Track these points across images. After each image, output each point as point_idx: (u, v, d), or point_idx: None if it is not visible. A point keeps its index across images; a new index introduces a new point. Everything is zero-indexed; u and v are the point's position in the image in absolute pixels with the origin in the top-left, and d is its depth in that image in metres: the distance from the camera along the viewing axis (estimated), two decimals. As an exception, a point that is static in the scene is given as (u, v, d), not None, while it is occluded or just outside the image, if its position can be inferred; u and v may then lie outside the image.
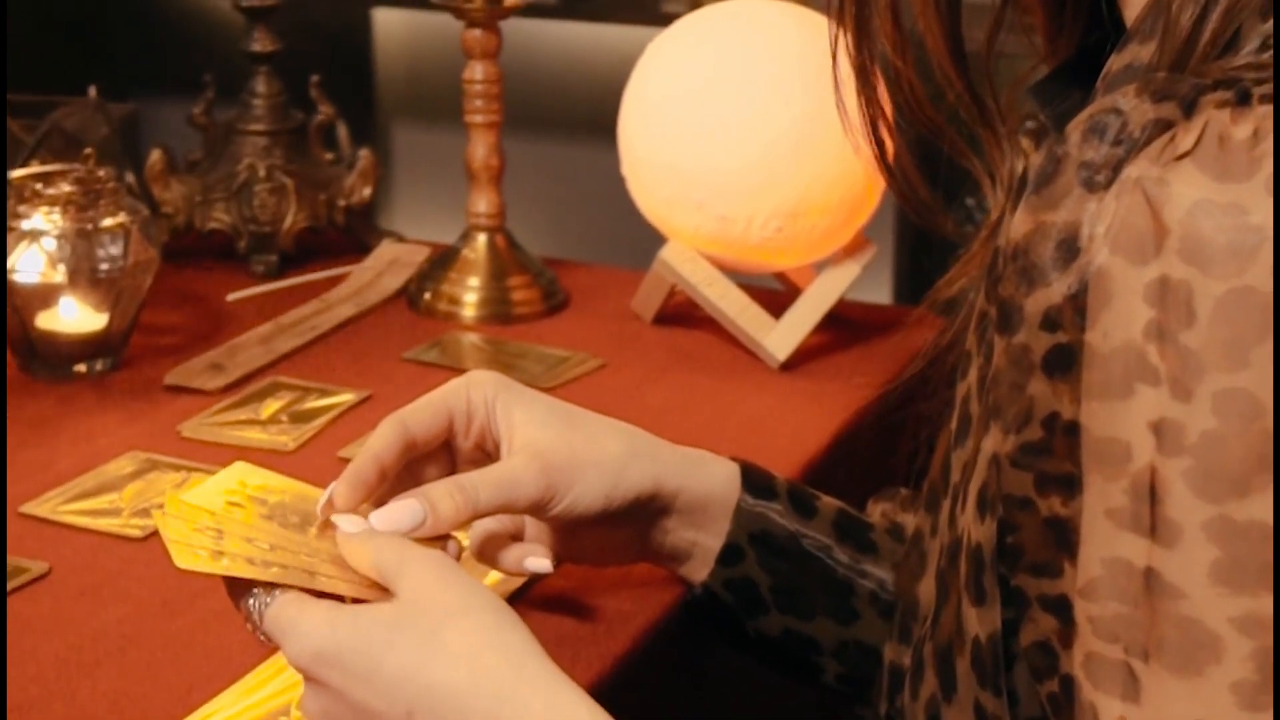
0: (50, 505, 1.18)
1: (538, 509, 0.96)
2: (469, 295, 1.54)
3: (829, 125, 1.38)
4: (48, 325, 1.37)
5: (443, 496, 0.92)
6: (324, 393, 1.37)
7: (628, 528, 1.02)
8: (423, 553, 0.88)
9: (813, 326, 1.45)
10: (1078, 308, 0.68)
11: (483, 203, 1.56)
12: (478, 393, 0.99)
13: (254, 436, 1.29)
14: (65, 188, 1.37)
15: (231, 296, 1.54)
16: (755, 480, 1.05)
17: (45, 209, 1.36)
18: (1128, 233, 0.67)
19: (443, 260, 1.57)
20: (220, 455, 1.26)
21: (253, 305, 1.55)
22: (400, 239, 1.68)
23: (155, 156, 1.61)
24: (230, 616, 1.04)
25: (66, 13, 2.88)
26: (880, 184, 1.42)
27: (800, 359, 1.44)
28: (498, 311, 1.53)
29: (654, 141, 1.43)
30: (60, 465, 1.24)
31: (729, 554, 1.04)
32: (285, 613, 0.87)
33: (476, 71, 1.52)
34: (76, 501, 1.19)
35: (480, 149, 1.54)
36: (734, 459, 1.06)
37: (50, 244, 1.35)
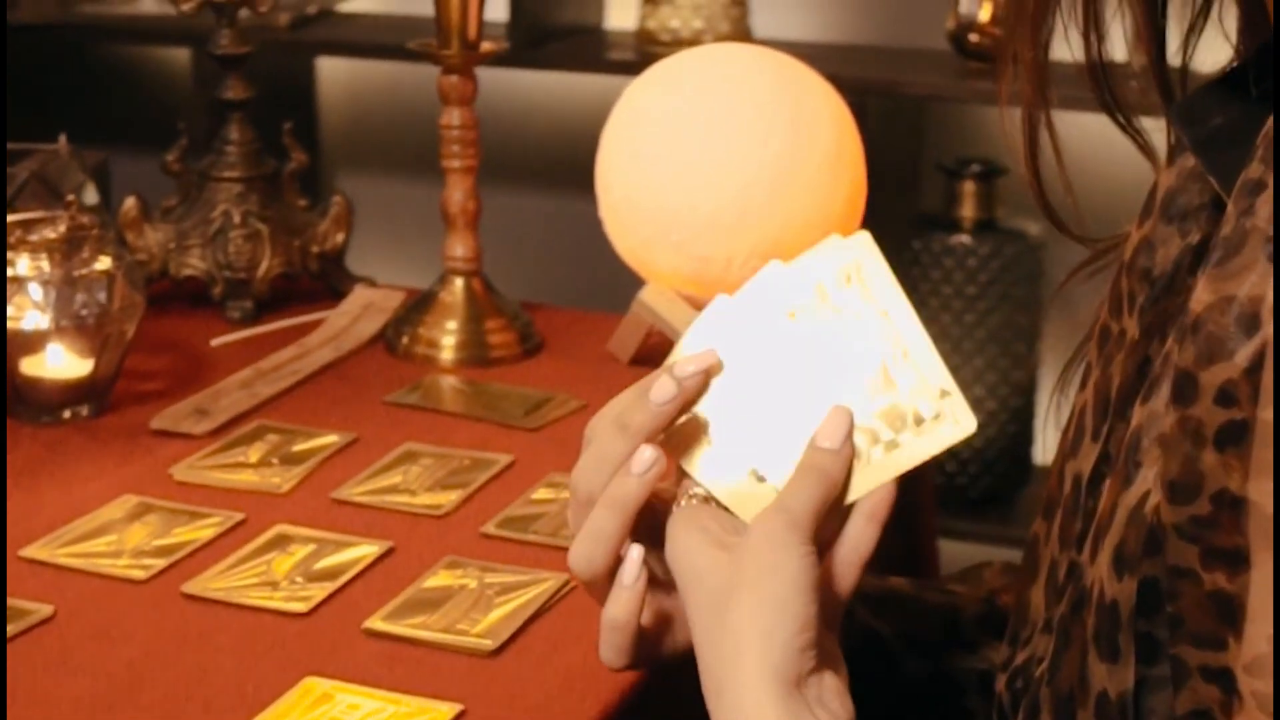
0: (50, 549, 1.18)
1: None
2: (447, 338, 1.55)
3: (805, 164, 1.41)
4: (33, 371, 1.37)
5: None
6: (310, 435, 1.37)
7: None
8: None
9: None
10: (1254, 383, 0.68)
11: (460, 247, 1.57)
12: None
13: (246, 479, 1.30)
14: (50, 234, 1.38)
15: (215, 341, 1.55)
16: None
17: (30, 255, 1.36)
18: None
19: (420, 304, 1.58)
20: (214, 498, 1.27)
21: (231, 350, 1.55)
22: (372, 284, 1.69)
23: (130, 204, 1.61)
24: (240, 654, 1.06)
25: (20, 62, 2.87)
26: (856, 222, 1.45)
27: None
28: (475, 354, 1.55)
29: (633, 184, 1.45)
30: (54, 509, 1.24)
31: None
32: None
33: (453, 117, 1.54)
34: (76, 544, 1.19)
35: (457, 193, 1.56)
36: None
37: (36, 290, 1.36)
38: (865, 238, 0.89)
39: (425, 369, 1.54)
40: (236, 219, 1.62)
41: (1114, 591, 0.78)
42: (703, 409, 0.90)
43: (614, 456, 0.89)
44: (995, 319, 2.63)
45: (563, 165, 2.96)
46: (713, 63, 1.47)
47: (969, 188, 2.66)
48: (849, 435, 0.88)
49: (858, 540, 0.87)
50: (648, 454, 0.88)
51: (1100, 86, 0.94)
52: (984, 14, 2.62)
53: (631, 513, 0.88)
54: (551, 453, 1.36)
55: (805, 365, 0.89)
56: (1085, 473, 0.92)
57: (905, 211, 2.69)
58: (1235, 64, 0.90)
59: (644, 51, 2.72)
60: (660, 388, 0.89)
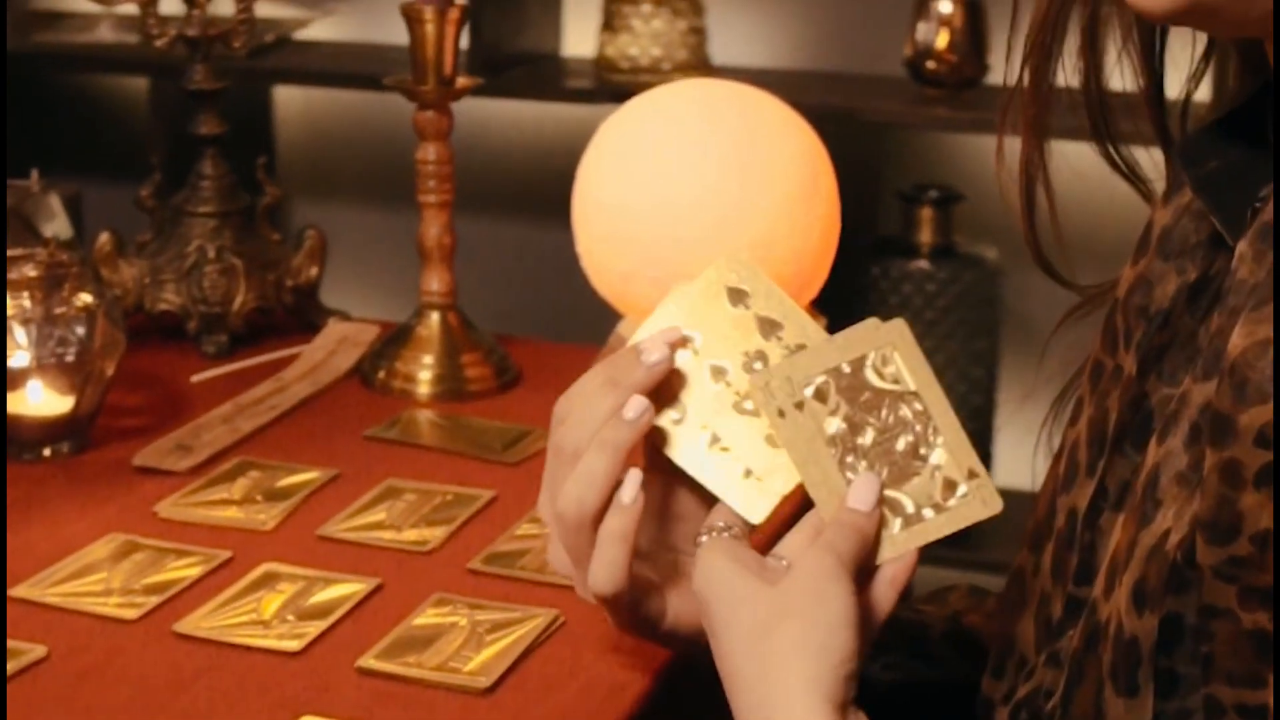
0: (39, 588, 1.19)
1: None
2: (423, 373, 1.56)
3: (780, 197, 1.42)
4: (14, 409, 1.37)
5: None
6: (291, 471, 1.38)
7: None
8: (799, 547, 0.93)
9: (767, 398, 1.48)
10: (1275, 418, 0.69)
11: (436, 281, 1.58)
12: None
13: (231, 516, 1.31)
14: (30, 272, 1.38)
15: (196, 377, 1.55)
16: None
17: (10, 293, 1.37)
18: None
19: (396, 338, 1.59)
20: (200, 535, 1.28)
21: (208, 386, 1.56)
22: (346, 317, 1.70)
23: (104, 239, 1.62)
24: (235, 694, 1.06)
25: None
26: (831, 252, 1.47)
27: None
28: (452, 389, 1.56)
29: (611, 219, 1.46)
30: (40, 549, 1.25)
31: None
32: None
33: (429, 152, 1.55)
34: (65, 584, 1.19)
35: (434, 228, 1.57)
36: None
37: (17, 328, 1.36)
38: (900, 323, 0.96)
39: (402, 403, 1.55)
40: (211, 254, 1.62)
41: (1133, 627, 0.79)
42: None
43: (602, 411, 0.96)
44: (953, 344, 2.66)
45: (525, 193, 2.97)
46: (688, 98, 1.48)
47: (927, 213, 2.69)
48: (878, 500, 0.91)
49: (877, 602, 0.91)
50: (640, 401, 0.95)
51: (1099, 127, 0.97)
52: (941, 41, 2.64)
53: (623, 456, 0.95)
54: (533, 487, 1.36)
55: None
56: (1081, 508, 0.94)
57: (864, 237, 2.70)
58: (1236, 105, 0.92)
59: (602, 79, 2.74)
60: (651, 346, 0.98)
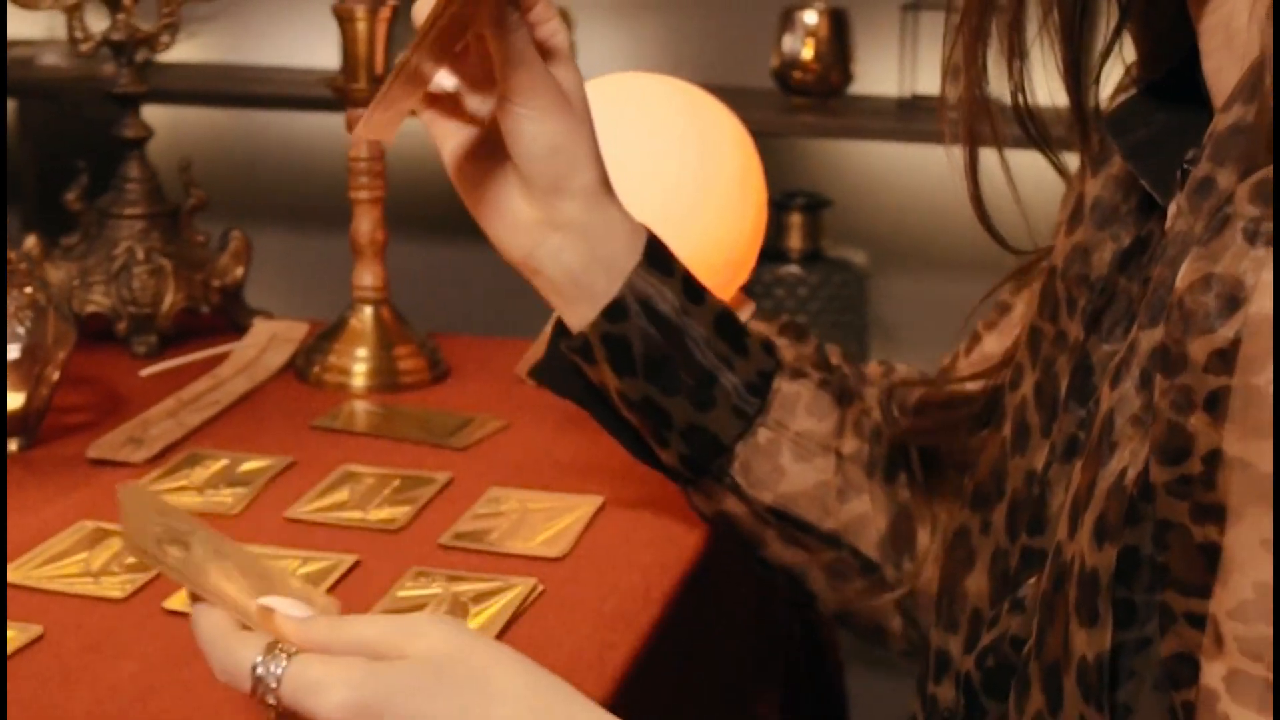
0: (23, 571, 1.20)
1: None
2: (358, 365, 1.59)
3: (717, 184, 1.47)
4: (-35, 405, 1.39)
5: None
6: (247, 459, 1.40)
7: (542, 207, 1.14)
8: (425, 615, 0.95)
9: (701, 381, 1.52)
10: (1241, 352, 0.73)
11: (368, 276, 1.61)
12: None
13: (196, 501, 1.33)
14: (-22, 269, 1.39)
15: (145, 372, 1.56)
16: (656, 253, 1.18)
17: (-40, 290, 1.38)
18: None
19: (330, 333, 1.62)
20: (168, 521, 1.29)
21: (146, 384, 1.57)
22: (270, 316, 1.72)
23: (31, 241, 1.63)
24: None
25: None
26: (760, 237, 1.52)
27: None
28: (386, 381, 1.59)
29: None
30: (11, 538, 1.26)
31: (614, 310, 1.16)
32: (311, 671, 0.87)
33: (362, 149, 1.58)
34: (47, 566, 1.21)
35: (365, 224, 1.60)
36: (645, 227, 1.19)
37: (-33, 325, 1.37)
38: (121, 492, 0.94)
39: (338, 396, 1.57)
40: (140, 255, 1.64)
41: (1094, 561, 0.84)
42: None
43: None
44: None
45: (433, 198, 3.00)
46: (621, 92, 1.52)
47: (796, 220, 2.76)
48: None
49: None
50: None
51: (1021, 110, 1.02)
52: (807, 52, 2.71)
53: None
54: (485, 469, 1.41)
55: None
56: (1039, 467, 0.99)
57: (737, 243, 2.76)
58: (1158, 78, 0.98)
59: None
60: None
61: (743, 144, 1.52)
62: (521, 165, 1.13)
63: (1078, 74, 1.01)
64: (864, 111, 2.78)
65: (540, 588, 1.20)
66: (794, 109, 2.73)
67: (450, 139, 1.14)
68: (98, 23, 1.64)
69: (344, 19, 1.55)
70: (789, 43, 2.72)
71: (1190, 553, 0.77)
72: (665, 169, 1.47)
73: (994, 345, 1.20)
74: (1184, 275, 0.75)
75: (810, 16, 2.71)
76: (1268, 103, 0.79)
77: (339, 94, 1.57)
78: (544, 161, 1.12)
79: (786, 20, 2.72)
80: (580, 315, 1.17)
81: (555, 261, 1.16)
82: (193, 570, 0.93)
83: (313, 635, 0.89)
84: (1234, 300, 0.73)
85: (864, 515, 1.22)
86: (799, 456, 1.22)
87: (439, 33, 1.04)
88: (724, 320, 1.20)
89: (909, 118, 2.75)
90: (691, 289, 1.19)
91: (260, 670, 0.88)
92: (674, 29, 2.97)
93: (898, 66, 2.81)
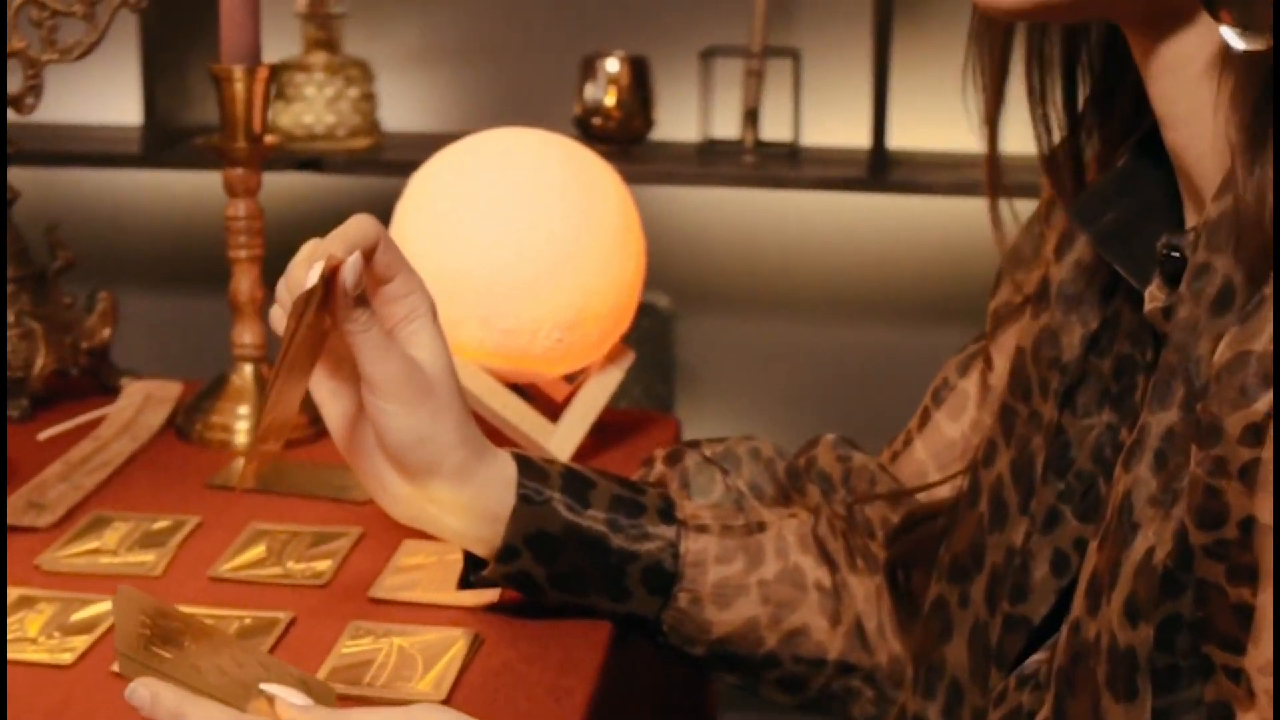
0: (-39, 643, 1.19)
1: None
2: (240, 423, 1.60)
3: (595, 238, 1.51)
4: None
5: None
6: (154, 520, 1.40)
7: (416, 488, 1.19)
8: (423, 706, 1.01)
9: (588, 429, 1.56)
10: (1272, 426, 0.79)
11: (248, 334, 1.62)
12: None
13: (115, 563, 1.32)
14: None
15: (43, 435, 1.56)
16: (532, 473, 1.22)
17: None
18: None
19: (209, 391, 1.62)
20: (91, 584, 1.28)
21: (22, 450, 1.56)
22: (138, 376, 1.72)
23: (-103, 308, 1.61)
24: None
25: None
26: (639, 287, 1.56)
27: (577, 458, 1.55)
28: (269, 437, 1.59)
29: (435, 265, 1.52)
30: (-68, 609, 1.25)
31: (506, 554, 1.22)
32: None
33: (239, 208, 1.59)
34: (-15, 637, 1.20)
35: (245, 282, 1.61)
36: (512, 452, 1.23)
37: None
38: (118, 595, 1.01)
39: (223, 454, 1.58)
40: (11, 318, 1.63)
41: (1128, 639, 0.88)
42: None
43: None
44: (637, 388, 2.77)
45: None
46: (502, 146, 1.56)
47: (601, 265, 2.80)
48: None
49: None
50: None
51: (995, 180, 1.09)
52: (609, 99, 2.76)
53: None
54: (394, 523, 1.42)
55: None
56: (1018, 542, 1.05)
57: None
58: (1120, 164, 1.03)
59: (281, 149, 2.77)
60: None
61: (621, 196, 1.56)
62: (390, 454, 1.17)
63: (994, 125, 1.07)
64: (666, 157, 2.83)
65: (482, 639, 1.22)
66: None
67: (332, 404, 1.18)
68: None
69: (221, 79, 1.56)
70: (591, 90, 2.77)
71: (1226, 611, 0.82)
72: (548, 222, 1.51)
73: (949, 427, 1.26)
74: (1221, 352, 0.81)
75: (612, 64, 2.76)
76: (1244, 190, 0.84)
77: (218, 154, 1.58)
78: (412, 451, 1.16)
79: (588, 68, 2.77)
80: (480, 554, 1.24)
81: (438, 526, 1.22)
82: (185, 670, 0.96)
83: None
84: (1268, 377, 0.79)
85: (802, 626, 1.28)
86: (722, 606, 1.28)
87: (297, 350, 1.09)
88: (617, 503, 1.26)
89: (709, 162, 2.81)
90: (575, 486, 1.24)
91: None
92: (474, 79, 3.00)
93: (697, 112, 2.87)
